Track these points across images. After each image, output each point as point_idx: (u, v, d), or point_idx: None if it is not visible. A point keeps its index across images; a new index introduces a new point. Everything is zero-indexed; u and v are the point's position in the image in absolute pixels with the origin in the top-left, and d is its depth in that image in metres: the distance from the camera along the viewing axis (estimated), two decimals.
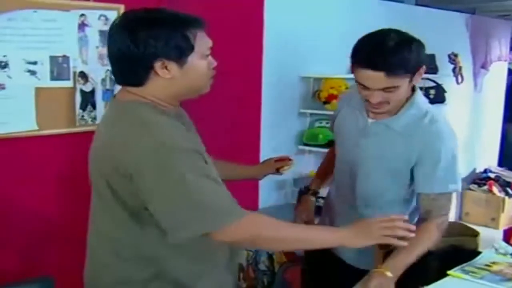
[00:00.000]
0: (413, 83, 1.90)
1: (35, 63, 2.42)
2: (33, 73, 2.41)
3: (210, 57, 1.59)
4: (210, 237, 1.46)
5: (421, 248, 1.80)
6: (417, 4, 4.92)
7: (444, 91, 4.52)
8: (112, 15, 2.61)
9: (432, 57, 4.41)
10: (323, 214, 2.39)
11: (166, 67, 1.50)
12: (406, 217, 1.61)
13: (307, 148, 3.65)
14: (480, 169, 5.74)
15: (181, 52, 1.50)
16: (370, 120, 2.00)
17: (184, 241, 1.46)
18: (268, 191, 3.55)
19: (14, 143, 2.38)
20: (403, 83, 1.83)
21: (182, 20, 1.52)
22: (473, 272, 1.56)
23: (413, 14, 4.58)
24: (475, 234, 1.82)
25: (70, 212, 2.50)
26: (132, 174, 1.44)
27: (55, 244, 2.50)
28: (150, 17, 1.51)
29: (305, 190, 2.41)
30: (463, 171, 5.48)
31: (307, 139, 3.65)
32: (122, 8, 2.63)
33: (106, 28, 2.59)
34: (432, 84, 4.43)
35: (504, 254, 1.69)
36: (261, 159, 3.44)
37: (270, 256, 3.03)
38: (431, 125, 1.91)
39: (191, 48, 1.52)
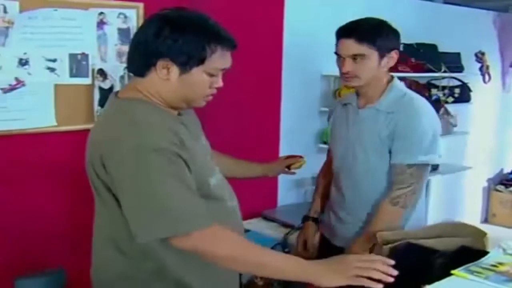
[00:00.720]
0: (384, 65, 2.10)
1: (54, 60, 2.47)
2: (52, 70, 2.47)
3: (218, 77, 1.58)
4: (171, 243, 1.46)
5: (373, 224, 2.06)
6: (445, 2, 4.86)
7: (469, 90, 4.45)
8: (131, 14, 2.66)
9: (457, 55, 4.34)
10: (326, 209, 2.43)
11: (168, 69, 1.51)
12: (392, 261, 1.49)
13: (327, 146, 3.63)
14: (507, 169, 5.63)
15: (189, 61, 1.50)
16: (361, 110, 2.19)
17: (149, 242, 1.47)
18: (286, 189, 3.56)
19: (33, 138, 2.44)
20: (371, 56, 2.06)
21: (211, 33, 1.52)
22: (478, 272, 1.54)
23: (439, 12, 4.52)
24: (483, 234, 1.79)
25: (86, 207, 2.54)
26: (109, 168, 1.46)
27: (68, 238, 2.55)
28: (184, 19, 1.52)
29: (305, 218, 2.46)
30: (489, 171, 5.45)
31: (327, 138, 3.63)
32: (141, 6, 2.68)
33: (125, 26, 2.65)
34: (457, 83, 4.36)
35: None
36: None
37: (287, 254, 3.04)
38: (409, 102, 2.12)
39: (201, 61, 1.51)
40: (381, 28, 2.11)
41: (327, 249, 2.29)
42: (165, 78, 1.52)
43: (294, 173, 2.34)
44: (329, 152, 2.50)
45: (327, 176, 2.43)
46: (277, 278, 1.57)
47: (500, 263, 1.60)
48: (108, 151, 1.48)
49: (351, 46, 2.07)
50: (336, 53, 2.14)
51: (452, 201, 4.95)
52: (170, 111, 1.59)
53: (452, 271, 1.55)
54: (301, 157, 2.29)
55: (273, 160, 2.36)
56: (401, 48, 3.34)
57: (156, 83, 1.54)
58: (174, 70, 1.51)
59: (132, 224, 1.46)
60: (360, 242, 2.09)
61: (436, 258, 1.80)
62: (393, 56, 2.12)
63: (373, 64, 2.09)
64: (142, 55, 1.53)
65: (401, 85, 2.22)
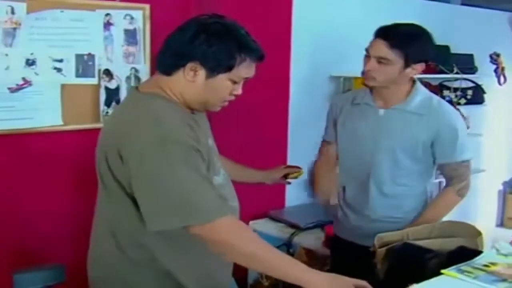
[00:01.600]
0: (406, 75, 2.13)
1: (61, 60, 2.52)
2: (59, 70, 2.52)
3: (239, 85, 1.65)
4: (188, 231, 1.50)
5: (437, 209, 2.24)
6: (463, 4, 4.82)
7: (483, 92, 4.39)
8: (137, 15, 2.69)
9: (470, 56, 4.30)
10: (337, 212, 2.44)
11: (195, 71, 1.57)
12: None
13: None
14: None
15: (217, 67, 1.57)
16: (381, 110, 2.22)
17: (161, 230, 1.51)
18: (295, 190, 3.55)
19: (39, 137, 2.49)
20: (396, 63, 2.08)
21: (243, 43, 1.59)
22: (468, 272, 1.53)
23: (453, 13, 4.49)
24: (478, 234, 1.78)
25: (90, 205, 2.59)
26: (128, 158, 1.50)
27: (69, 235, 2.58)
28: (220, 27, 1.58)
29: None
30: (505, 175, 5.37)
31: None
32: (147, 8, 2.71)
33: (131, 27, 2.69)
34: (471, 84, 4.31)
35: (506, 255, 1.65)
36: (289, 159, 3.47)
37: (291, 255, 3.04)
38: (441, 107, 2.21)
39: (229, 69, 1.58)
40: (418, 38, 2.12)
41: (354, 251, 2.28)
42: (191, 80, 1.59)
43: (289, 182, 2.40)
44: (324, 148, 2.54)
45: (330, 169, 2.50)
46: (275, 277, 1.62)
47: (493, 263, 1.60)
48: (127, 142, 1.52)
49: (382, 48, 2.10)
50: (366, 49, 2.17)
51: (467, 204, 4.84)
52: (186, 109, 1.65)
53: (442, 271, 1.55)
54: (299, 168, 2.30)
55: (273, 168, 2.37)
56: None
57: (180, 83, 1.60)
58: (201, 73, 1.58)
59: (147, 212, 1.50)
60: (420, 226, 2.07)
61: (431, 258, 1.80)
62: (418, 68, 2.14)
63: (395, 71, 2.11)
64: (173, 55, 1.60)
65: (423, 88, 2.26)
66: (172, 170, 1.47)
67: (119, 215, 1.60)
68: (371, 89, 2.25)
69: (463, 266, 1.57)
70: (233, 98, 1.68)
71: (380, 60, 2.10)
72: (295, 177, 2.33)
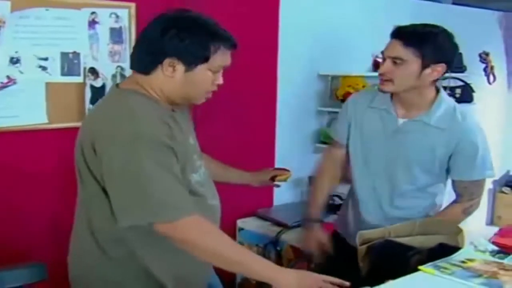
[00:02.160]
0: (425, 77, 1.99)
1: (46, 59, 2.52)
2: (44, 68, 2.51)
3: (219, 74, 1.66)
4: (153, 228, 1.51)
5: None
6: (454, 3, 4.83)
7: (472, 90, 4.41)
8: (123, 13, 2.69)
9: (459, 55, 4.31)
10: (342, 211, 2.43)
11: (174, 67, 1.58)
12: (347, 283, 1.57)
13: (324, 146, 3.64)
14: None
15: (194, 60, 1.59)
16: (401, 120, 2.11)
17: (132, 226, 1.52)
18: (283, 188, 3.53)
19: (24, 136, 2.48)
20: (412, 63, 1.96)
21: (214, 32, 1.61)
22: (444, 268, 1.54)
23: (441, 12, 4.49)
24: (459, 231, 1.79)
25: (73, 204, 2.59)
26: (101, 153, 1.52)
27: (52, 233, 2.58)
28: (189, 20, 1.61)
29: (307, 221, 2.38)
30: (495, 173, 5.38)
31: (324, 138, 3.64)
32: (133, 6, 2.71)
33: (116, 25, 2.69)
34: (460, 83, 4.33)
35: (483, 251, 1.66)
36: (277, 158, 3.47)
37: (278, 253, 3.05)
38: (464, 120, 2.08)
39: (205, 60, 1.60)
40: (435, 37, 1.99)
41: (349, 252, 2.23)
42: (171, 75, 1.60)
43: (278, 185, 2.36)
44: (330, 150, 2.43)
45: (334, 177, 2.37)
46: (246, 276, 1.64)
47: (470, 259, 1.61)
48: (101, 137, 1.54)
49: (396, 48, 1.99)
50: (382, 52, 2.09)
51: None
52: (165, 106, 1.65)
53: (419, 267, 1.55)
54: (287, 170, 2.29)
55: (260, 169, 2.35)
56: None
57: (159, 80, 1.61)
58: (180, 68, 1.59)
59: (116, 208, 1.52)
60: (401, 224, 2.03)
61: (412, 255, 1.81)
62: (438, 69, 2.00)
63: (412, 72, 1.98)
64: (148, 54, 1.61)
65: (448, 98, 2.15)
66: (140, 167, 1.48)
67: (97, 210, 1.61)
68: (395, 95, 2.13)
69: (440, 262, 1.58)
70: (215, 88, 1.69)
71: (395, 61, 1.99)
72: (283, 180, 2.29)
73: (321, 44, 3.55)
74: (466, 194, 2.15)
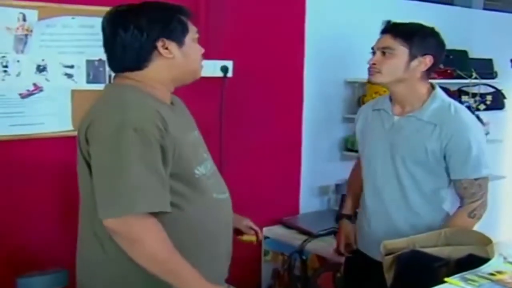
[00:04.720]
0: (413, 68, 2.06)
1: (72, 66, 2.54)
2: (70, 76, 2.54)
3: (198, 44, 1.72)
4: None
5: None
6: (485, 9, 4.74)
7: (503, 97, 4.31)
8: None
9: (489, 61, 4.23)
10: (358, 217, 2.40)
11: (167, 48, 1.62)
12: None
13: (351, 154, 3.59)
14: None
15: (179, 33, 1.64)
16: (396, 117, 2.16)
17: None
18: (309, 196, 3.53)
19: (50, 143, 2.51)
20: (400, 53, 2.05)
21: (176, 7, 1.67)
22: (472, 280, 1.48)
23: (472, 18, 4.42)
24: (488, 242, 1.73)
25: None
26: (91, 143, 1.55)
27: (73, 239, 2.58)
28: (146, 5, 1.65)
29: (340, 217, 2.50)
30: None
31: (351, 145, 3.59)
32: None
33: None
34: (491, 89, 4.24)
35: None
36: (303, 165, 3.44)
37: (303, 262, 3.02)
38: (457, 116, 2.07)
39: (187, 30, 1.66)
40: (422, 30, 2.11)
41: (366, 263, 2.24)
42: (170, 56, 1.63)
43: (239, 239, 2.05)
44: (358, 161, 2.47)
45: (358, 181, 2.39)
46: None
47: (499, 272, 1.55)
48: (92, 126, 1.56)
49: (385, 40, 2.10)
50: (372, 47, 2.15)
51: (487, 211, 4.80)
52: (162, 100, 1.66)
53: (446, 279, 1.50)
54: (257, 233, 2.05)
55: (239, 215, 2.03)
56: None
57: (162, 66, 1.65)
58: (173, 46, 1.64)
59: (97, 200, 1.53)
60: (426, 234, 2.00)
61: (439, 266, 1.76)
62: (425, 61, 2.07)
63: (400, 63, 2.06)
64: (137, 51, 1.62)
65: (443, 94, 2.16)
66: (118, 158, 1.48)
67: (94, 204, 1.56)
68: (389, 93, 2.20)
69: (468, 274, 1.53)
70: (203, 59, 1.74)
71: (384, 51, 2.07)
72: (246, 241, 2.05)
73: (348, 50, 3.51)
74: (468, 196, 2.10)
